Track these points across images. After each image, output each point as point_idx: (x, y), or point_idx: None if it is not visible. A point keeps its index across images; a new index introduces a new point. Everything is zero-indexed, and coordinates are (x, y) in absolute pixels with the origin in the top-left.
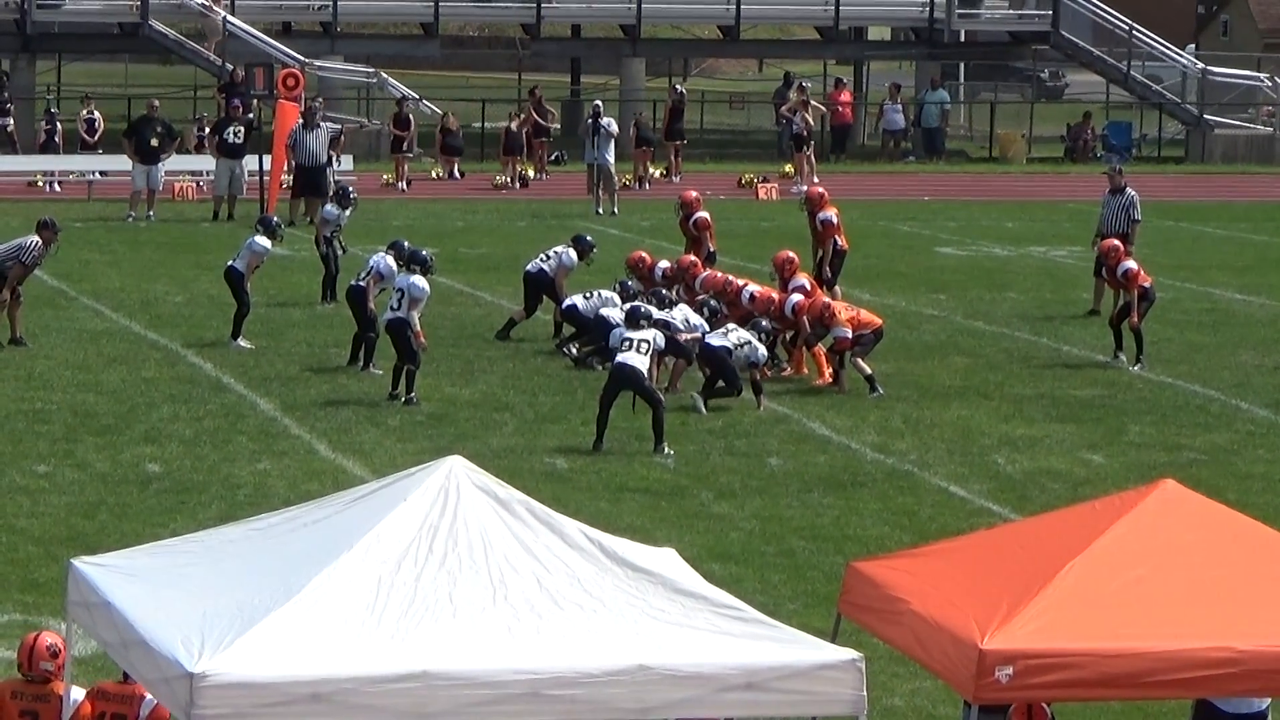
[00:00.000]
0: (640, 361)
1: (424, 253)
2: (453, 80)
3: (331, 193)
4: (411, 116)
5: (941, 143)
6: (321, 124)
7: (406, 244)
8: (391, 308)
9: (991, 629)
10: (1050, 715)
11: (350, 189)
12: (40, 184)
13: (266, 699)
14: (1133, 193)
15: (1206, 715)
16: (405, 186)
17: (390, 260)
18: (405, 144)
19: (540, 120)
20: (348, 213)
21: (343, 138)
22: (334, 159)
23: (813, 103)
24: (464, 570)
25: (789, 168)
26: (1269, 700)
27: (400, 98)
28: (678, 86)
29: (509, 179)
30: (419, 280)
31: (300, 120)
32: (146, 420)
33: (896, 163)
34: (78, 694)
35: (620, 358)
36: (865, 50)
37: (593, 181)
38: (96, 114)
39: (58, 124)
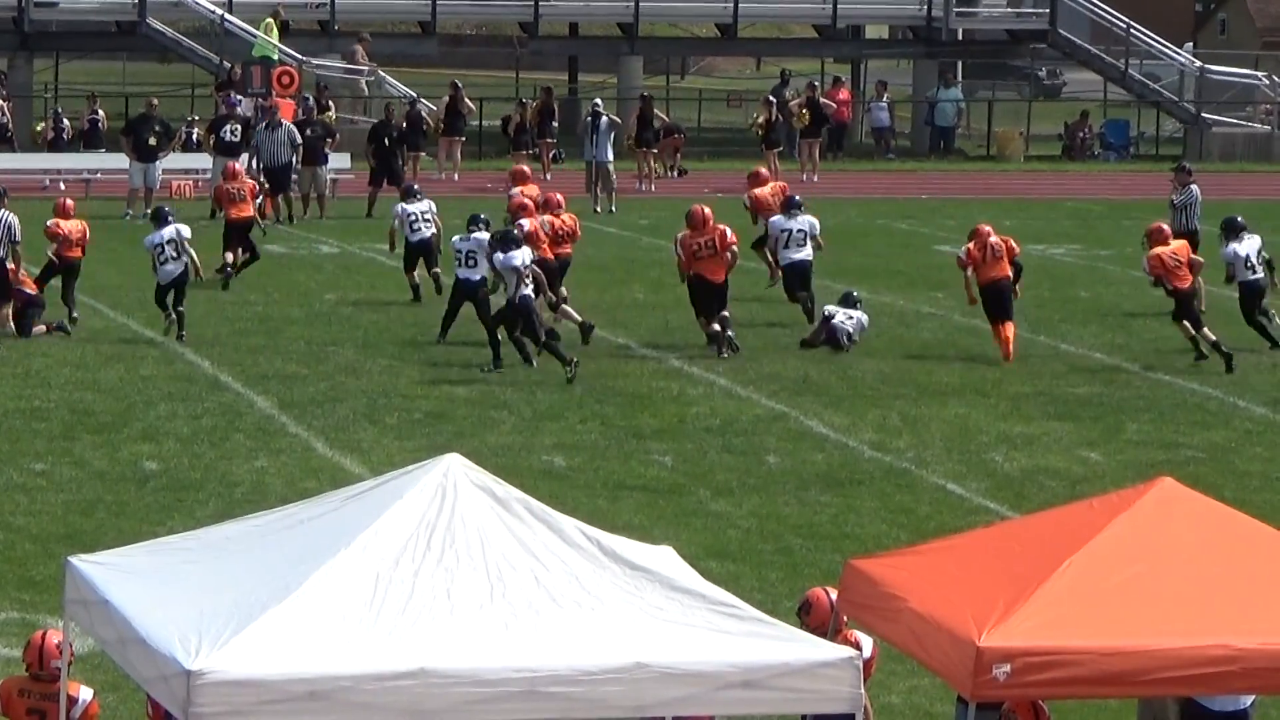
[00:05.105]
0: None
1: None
2: (450, 78)
3: None
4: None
5: (952, 141)
6: (282, 123)
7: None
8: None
9: (989, 626)
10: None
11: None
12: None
13: (264, 696)
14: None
15: (1193, 714)
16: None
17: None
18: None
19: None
20: None
21: (336, 136)
22: (295, 159)
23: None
24: (462, 567)
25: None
26: (1253, 698)
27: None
28: (644, 94)
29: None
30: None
31: (263, 122)
32: (144, 418)
33: (879, 160)
34: (86, 693)
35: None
36: (863, 49)
37: (591, 180)
38: (101, 112)
39: (65, 121)
